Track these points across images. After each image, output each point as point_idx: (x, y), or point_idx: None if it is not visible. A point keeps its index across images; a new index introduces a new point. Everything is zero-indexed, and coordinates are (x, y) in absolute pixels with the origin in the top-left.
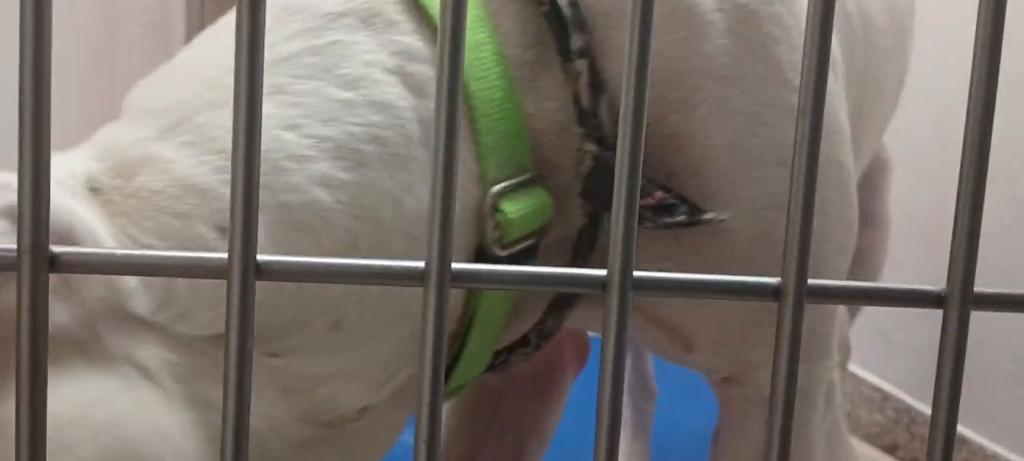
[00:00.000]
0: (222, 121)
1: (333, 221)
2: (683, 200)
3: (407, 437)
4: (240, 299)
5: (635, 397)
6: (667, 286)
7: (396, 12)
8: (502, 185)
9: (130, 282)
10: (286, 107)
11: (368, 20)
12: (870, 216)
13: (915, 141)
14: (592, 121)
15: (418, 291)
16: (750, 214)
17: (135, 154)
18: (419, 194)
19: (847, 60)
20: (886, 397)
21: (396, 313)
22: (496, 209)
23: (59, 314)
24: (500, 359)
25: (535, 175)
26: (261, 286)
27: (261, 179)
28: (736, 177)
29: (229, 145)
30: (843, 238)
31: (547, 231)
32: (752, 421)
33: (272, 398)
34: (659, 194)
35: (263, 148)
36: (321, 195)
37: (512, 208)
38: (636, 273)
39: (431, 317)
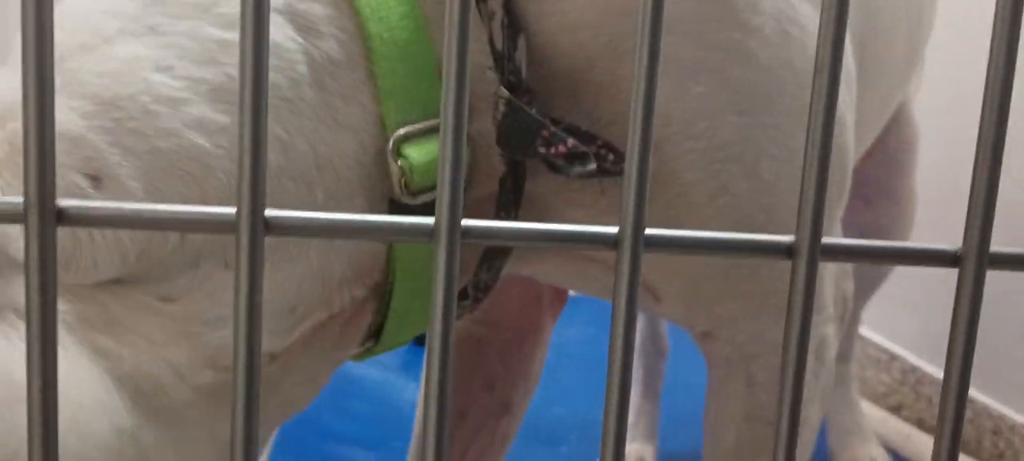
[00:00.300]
0: (91, 65)
1: (215, 167)
2: (610, 150)
3: (411, 394)
4: (249, 254)
5: (646, 354)
6: (679, 243)
7: None
8: (405, 129)
9: (11, 228)
10: (159, 49)
11: None
12: (893, 192)
13: (929, 102)
14: (507, 65)
15: None
16: (703, 167)
17: (7, 100)
18: (310, 137)
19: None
20: (893, 357)
21: (295, 250)
22: (399, 155)
23: None
24: None
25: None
26: (147, 232)
27: (129, 124)
28: (679, 128)
29: (99, 90)
30: (838, 186)
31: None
32: (733, 381)
33: (172, 344)
34: (571, 142)
35: (129, 92)
36: (199, 140)
37: (416, 153)
38: (648, 230)
39: (441, 274)
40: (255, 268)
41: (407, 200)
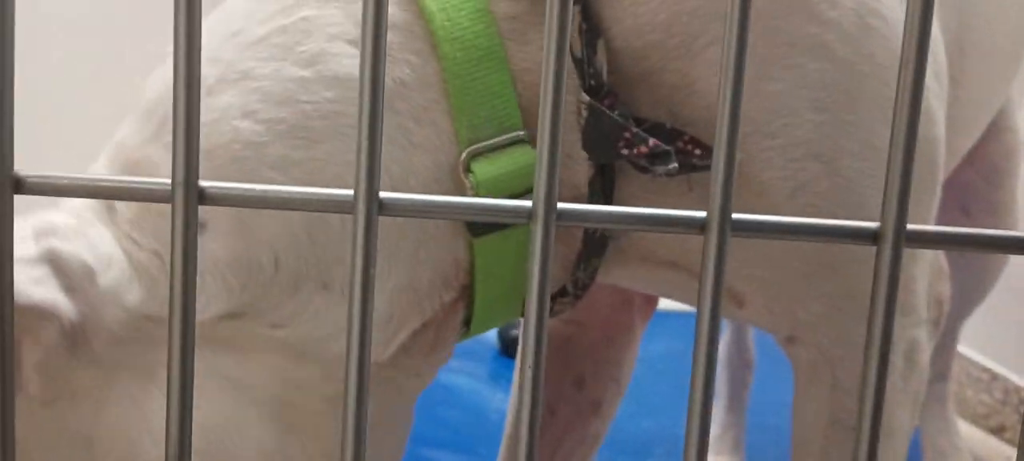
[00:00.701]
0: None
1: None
2: (697, 144)
3: (499, 403)
4: (365, 231)
5: (732, 367)
6: (766, 228)
7: None
8: (476, 146)
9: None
10: (247, 94)
11: None
12: (991, 203)
13: None
14: (587, 70)
15: (405, 241)
16: (781, 165)
17: (134, 158)
18: (384, 160)
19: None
20: (994, 376)
21: (384, 267)
22: (468, 170)
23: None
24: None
25: (522, 134)
26: (244, 265)
27: (221, 173)
28: (755, 126)
29: (209, 138)
30: (927, 179)
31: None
32: (817, 385)
33: (291, 365)
34: (652, 142)
35: (222, 141)
36: (277, 177)
37: (484, 170)
38: (735, 215)
39: (538, 252)
40: (370, 244)
41: None
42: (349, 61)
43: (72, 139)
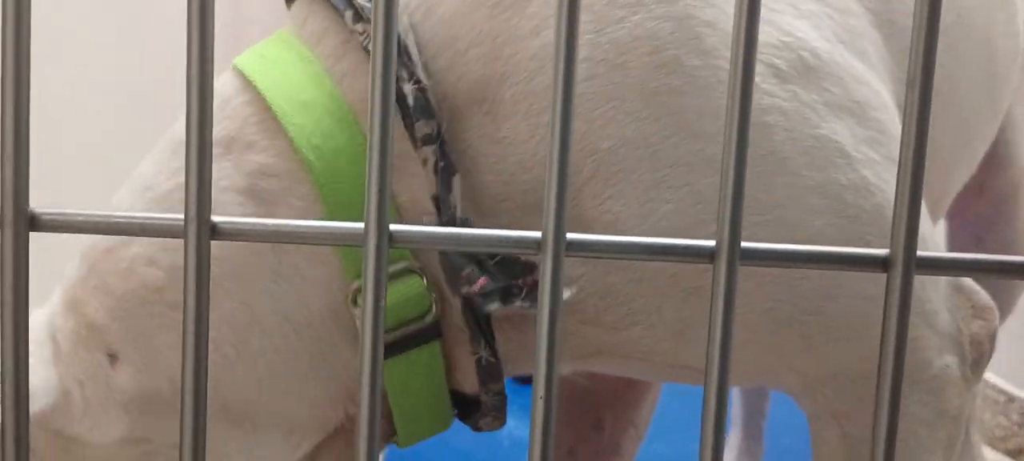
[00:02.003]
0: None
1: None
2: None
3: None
4: (375, 263)
5: (748, 394)
6: (775, 256)
7: (254, 133)
8: (358, 282)
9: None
10: (149, 244)
11: (227, 149)
12: (1004, 240)
13: None
14: (443, 206)
15: (308, 356)
16: (701, 271)
17: (162, 191)
18: (279, 304)
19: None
20: (1011, 399)
21: (282, 385)
22: (355, 304)
23: None
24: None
25: (409, 264)
26: (147, 395)
27: (131, 312)
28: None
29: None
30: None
31: (431, 314)
32: (827, 433)
33: None
34: (482, 280)
35: (130, 287)
36: (177, 316)
37: None
38: (744, 243)
39: (548, 286)
40: (379, 274)
41: None
42: (238, 208)
43: (82, 170)
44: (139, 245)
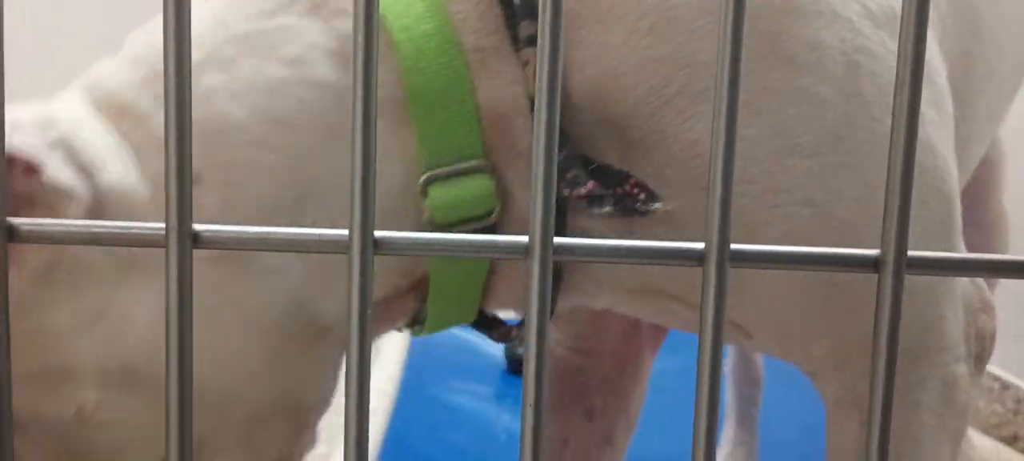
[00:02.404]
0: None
1: (278, 178)
2: (643, 189)
3: (506, 423)
4: (360, 272)
5: (740, 385)
6: (764, 258)
7: (345, 2)
8: (434, 172)
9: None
10: (230, 79)
11: (316, 8)
12: (978, 217)
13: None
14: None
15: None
16: (763, 211)
17: (120, 101)
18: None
19: (939, 39)
20: (1006, 386)
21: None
22: (425, 195)
23: None
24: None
25: (481, 163)
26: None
27: (204, 143)
28: (736, 172)
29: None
30: (942, 211)
31: (494, 214)
32: (846, 420)
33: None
34: (591, 184)
35: (210, 114)
36: (261, 156)
37: (439, 194)
38: (734, 245)
39: (535, 289)
40: (366, 284)
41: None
42: (325, 69)
43: None
44: (217, 77)
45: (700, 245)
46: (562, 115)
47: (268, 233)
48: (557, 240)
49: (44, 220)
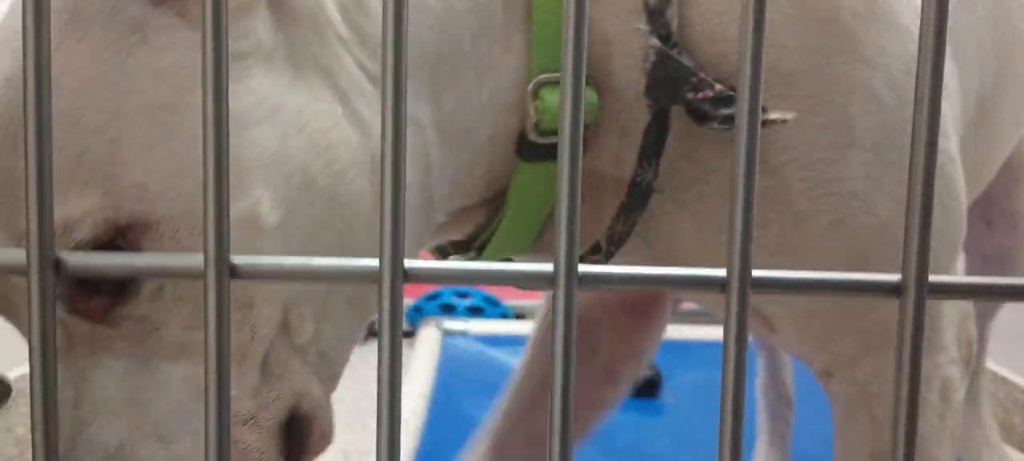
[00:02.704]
0: None
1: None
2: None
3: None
4: (391, 301)
5: (772, 404)
6: (786, 284)
7: None
8: (546, 75)
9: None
10: None
11: None
12: (1010, 216)
13: None
14: (659, 19)
15: (472, 134)
16: (817, 199)
17: None
18: (474, 82)
19: (959, 56)
20: None
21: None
22: (536, 97)
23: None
24: None
25: (589, 75)
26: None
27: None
28: (795, 155)
29: None
30: (952, 235)
31: (592, 126)
32: (856, 421)
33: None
34: (718, 86)
35: None
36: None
37: (552, 97)
38: (755, 272)
39: (561, 317)
40: (396, 309)
41: (534, 138)
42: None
43: None
44: None
45: (722, 272)
46: (679, 31)
47: (301, 264)
48: (582, 268)
49: (89, 253)
